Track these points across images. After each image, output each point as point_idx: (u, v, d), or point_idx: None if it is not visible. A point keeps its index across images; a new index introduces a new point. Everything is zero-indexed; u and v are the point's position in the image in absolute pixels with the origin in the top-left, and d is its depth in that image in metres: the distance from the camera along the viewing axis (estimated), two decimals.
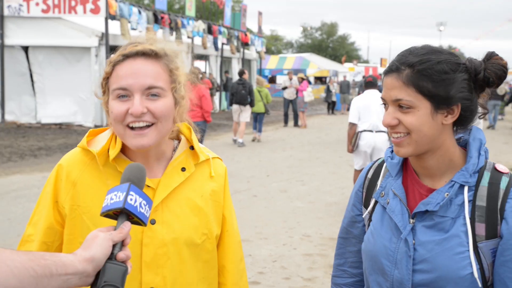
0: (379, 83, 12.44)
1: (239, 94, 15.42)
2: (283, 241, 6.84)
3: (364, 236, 1.81)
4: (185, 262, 1.71)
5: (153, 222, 1.66)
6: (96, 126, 17.41)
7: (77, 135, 15.94)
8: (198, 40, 23.22)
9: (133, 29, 18.45)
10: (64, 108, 17.64)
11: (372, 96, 8.01)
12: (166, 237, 1.67)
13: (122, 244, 1.33)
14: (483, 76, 1.61)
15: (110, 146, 1.71)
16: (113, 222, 1.37)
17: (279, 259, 6.20)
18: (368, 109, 7.98)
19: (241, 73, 16.05)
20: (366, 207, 1.83)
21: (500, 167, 1.65)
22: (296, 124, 21.42)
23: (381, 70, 42.84)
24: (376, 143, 8.00)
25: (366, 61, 76.72)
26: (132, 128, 1.62)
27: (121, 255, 1.31)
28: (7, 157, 12.30)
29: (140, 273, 1.65)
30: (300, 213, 8.26)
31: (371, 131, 8.02)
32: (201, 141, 6.67)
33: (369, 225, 1.80)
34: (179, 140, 1.82)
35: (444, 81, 1.57)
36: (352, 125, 8.17)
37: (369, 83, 8.37)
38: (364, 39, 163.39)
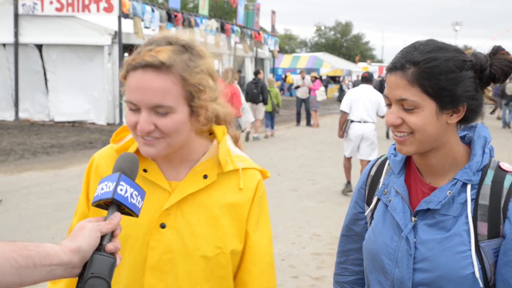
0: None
1: (251, 92, 16.51)
2: (291, 240, 6.82)
3: (366, 234, 1.78)
4: (194, 274, 1.61)
5: (163, 226, 1.59)
6: (108, 124, 17.49)
7: (90, 133, 16.02)
8: (211, 39, 23.25)
9: (146, 27, 18.50)
10: (77, 106, 17.73)
11: (364, 90, 9.02)
12: (174, 244, 1.59)
13: (112, 235, 1.30)
14: (489, 72, 1.57)
15: (132, 144, 1.67)
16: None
17: (288, 258, 6.17)
18: (358, 101, 8.94)
19: (256, 73, 17.21)
20: (369, 205, 1.80)
21: (505, 166, 1.61)
22: (308, 123, 21.37)
23: None
24: (364, 132, 8.96)
25: (380, 61, 76.41)
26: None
27: (109, 246, 1.27)
28: (19, 154, 12.39)
29: (143, 275, 1.59)
30: (310, 212, 8.23)
31: (359, 121, 8.96)
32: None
33: (371, 223, 1.77)
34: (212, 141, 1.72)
35: (450, 81, 1.52)
36: (344, 113, 9.11)
37: (364, 78, 9.39)
38: (378, 39, 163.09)
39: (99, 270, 1.23)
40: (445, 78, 1.52)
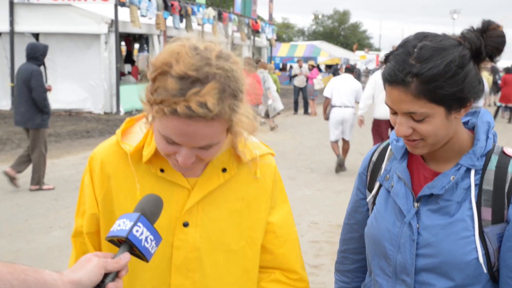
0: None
1: None
2: None
3: (368, 220, 1.76)
4: (220, 269, 1.59)
5: (186, 224, 1.55)
6: (105, 113, 17.45)
7: (87, 122, 15.97)
8: (208, 28, 23.15)
9: (142, 15, 18.39)
10: (74, 94, 17.67)
11: (346, 80, 10.45)
12: (198, 241, 1.55)
13: (117, 275, 1.25)
14: (485, 54, 1.52)
15: (146, 143, 1.56)
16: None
17: None
18: (339, 89, 10.27)
19: (257, 61, 16.96)
20: (370, 191, 1.78)
21: (509, 151, 1.59)
22: (306, 111, 21.35)
23: None
24: (344, 116, 10.19)
25: (378, 49, 76.24)
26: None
27: (110, 286, 1.22)
28: (16, 143, 12.34)
29: (170, 276, 1.56)
30: (308, 200, 8.23)
31: (340, 106, 10.23)
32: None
33: (372, 209, 1.75)
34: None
35: (455, 84, 1.46)
36: (326, 99, 10.62)
37: (347, 69, 11.18)
38: (376, 28, 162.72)
39: None
40: (450, 83, 1.45)
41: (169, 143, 1.42)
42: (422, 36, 1.51)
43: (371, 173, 1.79)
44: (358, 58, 45.65)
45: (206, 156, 1.45)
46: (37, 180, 8.29)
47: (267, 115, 14.91)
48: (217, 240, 1.58)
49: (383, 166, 1.75)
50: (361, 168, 1.84)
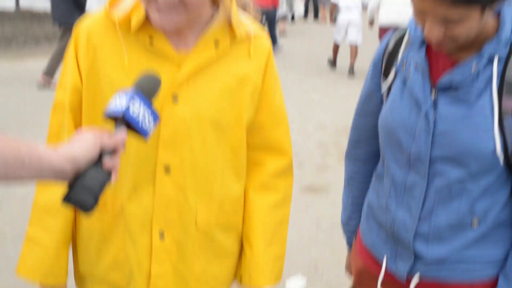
0: None
1: None
2: (297, 129, 6.82)
3: (382, 110, 1.72)
4: (208, 145, 1.55)
5: (175, 98, 1.50)
6: None
7: None
8: None
9: None
10: None
11: None
12: (187, 116, 1.51)
13: (114, 151, 1.20)
14: None
15: (134, 10, 1.49)
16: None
17: (293, 146, 6.17)
18: None
19: None
20: (386, 77, 1.71)
21: None
22: (316, 16, 20.91)
23: None
24: (350, 19, 10.43)
25: None
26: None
27: (108, 163, 1.17)
28: (21, 43, 12.20)
29: (156, 151, 1.52)
30: (316, 104, 8.20)
31: (346, 9, 10.44)
32: (272, 31, 6.49)
33: (387, 98, 1.70)
34: (217, 6, 1.55)
35: None
36: (332, 3, 10.87)
37: None
38: None
39: (90, 184, 1.14)
40: None
41: None
42: None
43: (387, 61, 1.71)
44: None
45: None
46: (50, 70, 8.22)
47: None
48: (206, 116, 1.53)
49: (400, 54, 1.67)
50: (376, 56, 1.77)
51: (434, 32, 1.42)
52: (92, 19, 1.55)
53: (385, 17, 8.73)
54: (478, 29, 1.44)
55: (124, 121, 1.23)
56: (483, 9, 1.39)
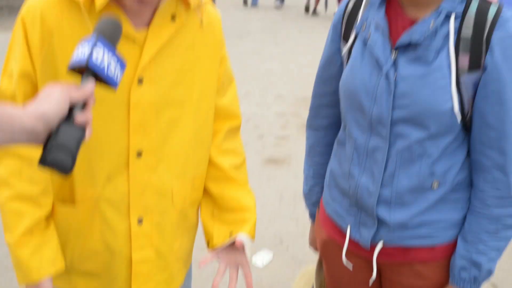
0: None
1: None
2: (256, 101, 6.77)
3: (343, 72, 1.68)
4: (175, 122, 1.52)
5: (140, 81, 1.44)
6: None
7: None
8: None
9: None
10: None
11: None
12: (154, 97, 1.46)
13: (85, 106, 1.12)
14: None
15: None
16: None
17: (252, 118, 6.15)
18: None
19: None
20: (346, 40, 1.67)
21: None
22: None
23: None
24: None
25: None
26: None
27: (80, 117, 1.10)
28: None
29: (128, 136, 1.47)
30: (274, 73, 8.15)
31: None
32: None
33: (347, 61, 1.66)
34: None
35: None
36: None
37: None
38: None
39: (64, 142, 1.07)
40: None
41: None
42: None
43: (347, 23, 1.68)
44: None
45: None
46: None
47: None
48: (172, 94, 1.50)
49: (359, 14, 1.64)
50: (335, 18, 1.73)
51: None
52: (41, 3, 1.42)
53: None
54: None
55: (90, 70, 1.14)
56: None
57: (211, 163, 1.70)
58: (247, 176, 1.77)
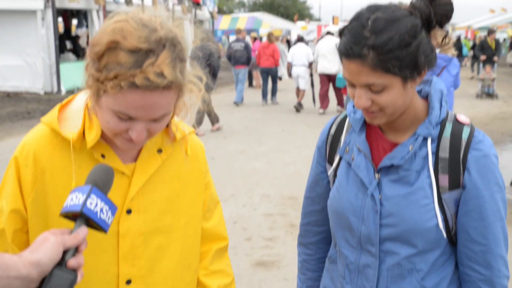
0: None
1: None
2: (242, 202, 6.85)
3: (330, 193, 1.79)
4: (163, 250, 1.60)
5: (129, 211, 1.53)
6: (46, 93, 16.95)
7: (27, 103, 15.47)
8: (148, 1, 22.69)
9: None
10: (12, 74, 17.03)
11: (299, 48, 15.16)
12: (143, 227, 1.55)
13: (77, 250, 1.22)
14: (435, 22, 1.56)
15: (86, 128, 1.50)
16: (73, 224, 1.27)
17: (240, 220, 6.20)
18: (294, 54, 14.94)
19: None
20: (331, 164, 1.80)
21: (462, 118, 1.65)
22: (250, 84, 21.32)
23: (333, 28, 42.85)
24: (299, 72, 14.78)
25: (318, 19, 76.54)
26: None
27: (71, 262, 1.19)
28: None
29: (117, 265, 1.53)
30: (259, 173, 8.27)
31: (296, 65, 14.81)
32: (275, 86, 13.05)
33: (334, 182, 1.78)
34: None
35: (410, 54, 1.48)
36: (288, 62, 15.25)
37: (299, 39, 16.63)
38: None
39: (57, 286, 1.16)
40: (405, 53, 1.48)
41: (121, 120, 1.40)
42: (374, 8, 1.53)
43: (330, 146, 1.81)
44: (299, 29, 45.76)
45: (157, 129, 1.45)
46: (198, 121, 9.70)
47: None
48: (160, 222, 1.58)
49: (342, 138, 1.77)
50: (320, 141, 1.86)
51: (362, 100, 1.54)
52: (37, 141, 1.53)
53: (320, 68, 13.88)
54: (403, 100, 1.56)
55: (83, 216, 1.25)
56: (404, 81, 1.52)
57: (200, 284, 1.75)
58: None
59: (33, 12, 16.65)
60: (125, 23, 1.36)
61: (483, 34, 28.64)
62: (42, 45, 16.70)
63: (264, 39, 39.50)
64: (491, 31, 19.06)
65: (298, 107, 14.61)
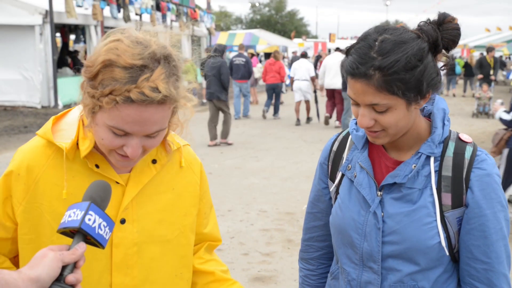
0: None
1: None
2: (240, 217, 6.84)
3: (332, 209, 1.80)
4: (157, 260, 1.61)
5: (123, 221, 1.54)
6: (43, 107, 16.96)
7: (24, 117, 15.47)
8: (146, 17, 22.77)
9: (78, 6, 17.89)
10: (10, 88, 17.05)
11: (301, 63, 15.89)
12: (136, 236, 1.56)
13: (75, 266, 1.24)
14: (442, 46, 1.58)
15: (80, 138, 1.52)
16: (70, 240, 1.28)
17: (237, 235, 6.19)
18: (298, 69, 15.64)
19: (208, 51, 20.50)
20: (333, 181, 1.81)
21: (464, 137, 1.66)
22: None
23: (330, 45, 43.05)
24: (301, 86, 15.49)
25: (315, 37, 76.98)
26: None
27: (70, 278, 1.21)
28: None
29: (110, 275, 1.55)
30: (256, 189, 8.27)
31: (298, 79, 15.55)
32: (278, 102, 13.65)
33: (336, 198, 1.78)
34: None
35: (416, 77, 1.50)
36: (291, 77, 16.15)
37: (303, 55, 17.34)
38: (312, 15, 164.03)
39: None
40: (411, 76, 1.49)
41: (116, 136, 1.42)
42: (382, 30, 1.55)
43: (333, 163, 1.82)
44: (296, 45, 45.96)
45: (152, 145, 1.47)
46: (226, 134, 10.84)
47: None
48: (154, 233, 1.60)
49: (344, 155, 1.78)
50: (322, 157, 1.87)
51: (365, 119, 1.56)
52: (31, 151, 1.54)
53: (326, 83, 14.59)
54: (407, 121, 1.57)
55: (81, 232, 1.26)
56: (408, 103, 1.54)
57: (198, 273, 1.77)
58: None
59: (31, 27, 16.71)
60: (119, 42, 1.40)
61: (479, 52, 28.81)
62: (40, 59, 16.73)
63: (261, 55, 39.69)
64: (490, 49, 18.83)
65: (307, 121, 15.74)
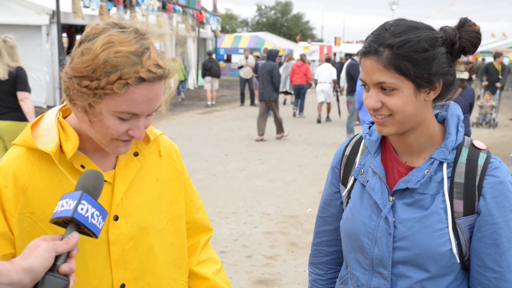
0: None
1: (213, 68, 20.24)
2: (243, 220, 6.83)
3: (343, 214, 1.79)
4: (151, 250, 1.64)
5: (116, 218, 1.56)
6: (48, 107, 16.99)
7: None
8: (153, 19, 22.82)
9: (85, 6, 17.94)
10: None
11: (326, 67, 17.35)
12: (131, 231, 1.58)
13: (68, 255, 1.23)
14: (459, 46, 1.58)
15: (62, 140, 1.52)
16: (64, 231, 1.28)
17: (240, 238, 6.18)
18: (321, 72, 17.20)
19: (209, 54, 21.82)
20: (344, 185, 1.80)
21: (478, 144, 1.65)
22: (252, 103, 21.36)
23: (335, 48, 43.09)
24: (324, 88, 16.88)
25: (321, 40, 76.99)
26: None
27: (64, 267, 1.21)
28: None
29: (111, 272, 1.56)
30: (260, 191, 8.26)
31: (321, 82, 16.97)
32: (303, 102, 12.87)
33: (347, 203, 1.77)
34: None
35: (425, 60, 1.52)
36: (315, 80, 17.51)
37: (327, 60, 18.51)
38: (318, 18, 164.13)
39: None
40: (420, 58, 1.51)
41: (122, 121, 1.46)
42: (400, 19, 1.60)
43: (345, 167, 1.81)
44: (301, 49, 45.98)
45: (149, 124, 1.53)
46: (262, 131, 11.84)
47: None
48: (146, 225, 1.63)
49: (357, 160, 1.77)
50: (334, 161, 1.86)
51: (372, 100, 1.57)
52: (13, 160, 1.52)
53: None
54: (414, 109, 1.57)
55: (74, 221, 1.26)
56: (416, 88, 1.54)
57: (193, 274, 1.82)
58: (227, 278, 1.89)
59: (38, 27, 16.76)
60: (111, 36, 1.43)
61: (481, 58, 28.62)
62: (46, 59, 16.77)
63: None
64: (498, 54, 17.90)
65: (327, 120, 17.19)
